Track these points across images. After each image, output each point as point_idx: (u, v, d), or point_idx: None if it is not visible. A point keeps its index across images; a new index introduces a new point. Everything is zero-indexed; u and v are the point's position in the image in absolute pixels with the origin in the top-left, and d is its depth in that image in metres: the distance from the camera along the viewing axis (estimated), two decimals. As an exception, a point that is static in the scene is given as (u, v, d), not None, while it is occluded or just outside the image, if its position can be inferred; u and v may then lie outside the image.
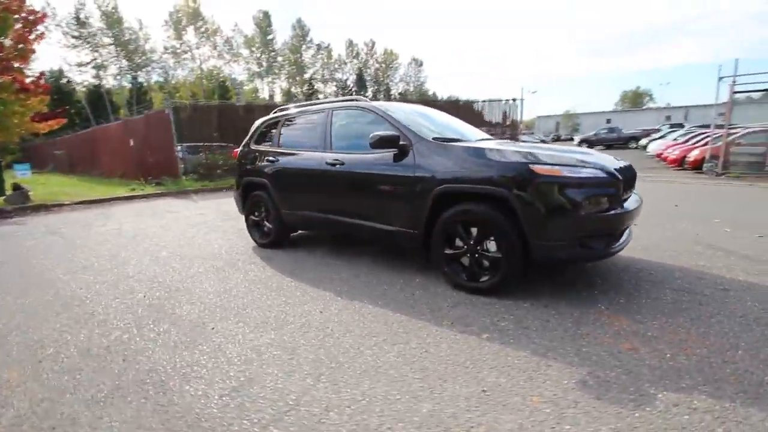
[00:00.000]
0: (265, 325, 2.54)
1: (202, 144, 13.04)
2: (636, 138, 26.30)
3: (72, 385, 1.96)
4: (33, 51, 11.69)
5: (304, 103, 4.37)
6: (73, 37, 40.44)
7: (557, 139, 44.46)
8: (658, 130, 24.84)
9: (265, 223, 4.44)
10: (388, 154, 3.18)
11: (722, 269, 3.19)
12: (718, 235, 4.20)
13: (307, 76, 56.96)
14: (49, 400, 1.86)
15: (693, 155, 12.09)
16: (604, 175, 2.54)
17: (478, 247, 2.80)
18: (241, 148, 4.80)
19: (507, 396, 1.75)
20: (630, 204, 2.76)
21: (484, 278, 2.79)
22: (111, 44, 42.33)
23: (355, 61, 59.93)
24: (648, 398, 1.69)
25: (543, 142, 26.77)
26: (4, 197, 9.13)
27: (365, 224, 3.41)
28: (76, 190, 11.38)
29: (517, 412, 1.64)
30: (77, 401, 1.83)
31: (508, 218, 2.61)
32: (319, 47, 56.45)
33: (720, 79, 11.22)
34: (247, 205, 4.60)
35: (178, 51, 46.77)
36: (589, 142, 26.31)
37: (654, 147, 18.04)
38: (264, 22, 51.13)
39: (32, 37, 11.60)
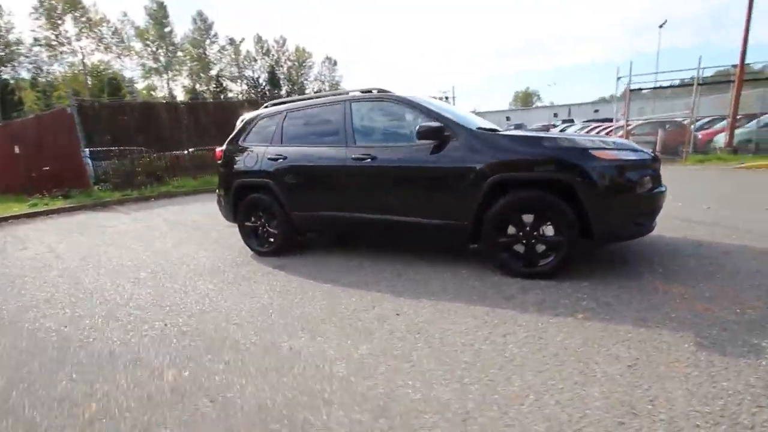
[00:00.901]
0: (347, 337, 2.29)
1: (116, 148, 11.31)
2: (539, 132, 29.38)
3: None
4: None
5: (307, 95, 4.01)
6: None
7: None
8: (555, 125, 28.16)
9: (268, 228, 4.00)
10: (426, 145, 3.09)
11: (705, 236, 3.73)
12: (675, 209, 4.91)
13: (213, 72, 52.83)
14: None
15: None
16: (648, 157, 2.79)
17: (535, 232, 2.87)
18: (226, 146, 4.26)
19: (653, 367, 1.82)
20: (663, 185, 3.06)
21: (544, 262, 2.87)
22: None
23: (266, 58, 57.22)
24: (760, 348, 1.90)
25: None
26: None
27: (404, 220, 3.27)
28: (-53, 211, 9.02)
29: (675, 380, 1.71)
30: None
31: (567, 202, 2.72)
32: (232, 41, 52.71)
33: (618, 78, 13.14)
34: (241, 210, 4.10)
35: (54, 43, 39.74)
36: (502, 137, 28.66)
37: (560, 139, 20.34)
38: (159, 13, 46.02)
39: None
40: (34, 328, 2.72)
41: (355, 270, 3.43)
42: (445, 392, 1.74)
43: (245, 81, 56.06)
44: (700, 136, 12.66)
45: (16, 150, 11.32)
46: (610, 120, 17.56)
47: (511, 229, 2.96)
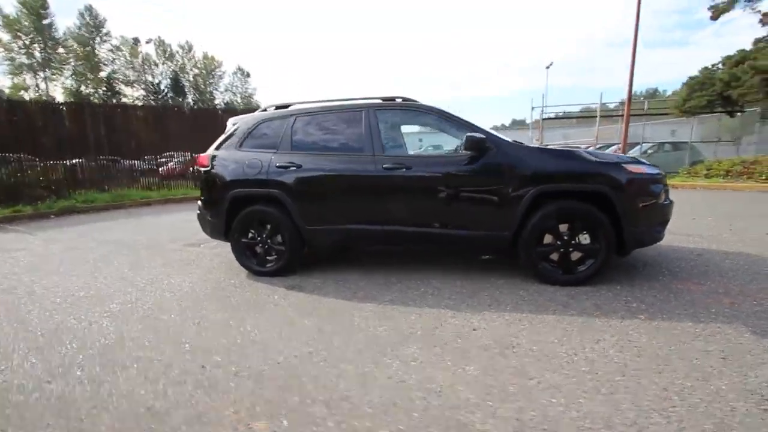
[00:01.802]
0: (441, 358, 2.10)
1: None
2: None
3: None
4: None
5: (318, 100, 3.69)
6: None
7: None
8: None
9: (270, 245, 3.54)
10: (464, 156, 3.08)
11: (691, 243, 4.31)
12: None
13: (104, 74, 46.49)
14: None
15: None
16: (662, 173, 3.14)
17: (573, 241, 3.02)
18: (214, 152, 3.69)
19: (741, 355, 2.00)
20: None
21: (581, 269, 3.02)
22: None
23: (169, 63, 52.31)
24: (802, 332, 2.22)
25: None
26: None
27: (441, 233, 3.17)
28: None
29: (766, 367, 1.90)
30: None
31: (604, 212, 2.92)
32: (136, 41, 46.95)
33: (533, 108, 14.90)
34: (236, 225, 3.56)
35: None
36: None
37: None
38: (36, 3, 39.20)
39: None
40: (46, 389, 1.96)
41: (388, 287, 3.20)
42: (596, 405, 1.67)
43: (143, 86, 50.36)
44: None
45: None
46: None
47: (547, 238, 3.06)
